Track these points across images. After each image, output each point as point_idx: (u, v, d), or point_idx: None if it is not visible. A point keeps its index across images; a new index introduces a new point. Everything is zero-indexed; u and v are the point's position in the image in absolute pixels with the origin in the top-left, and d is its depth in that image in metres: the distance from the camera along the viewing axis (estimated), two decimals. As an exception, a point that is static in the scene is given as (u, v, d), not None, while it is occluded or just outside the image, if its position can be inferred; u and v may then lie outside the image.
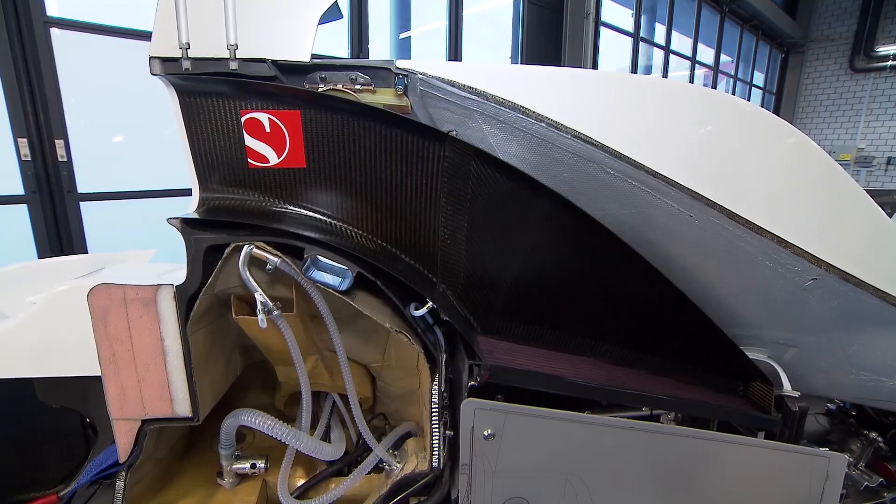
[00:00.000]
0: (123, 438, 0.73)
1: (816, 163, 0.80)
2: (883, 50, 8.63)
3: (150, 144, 3.28)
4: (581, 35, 6.02)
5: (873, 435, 0.99)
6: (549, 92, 0.68)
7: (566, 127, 0.67)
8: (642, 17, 7.55)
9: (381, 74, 0.66)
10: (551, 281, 0.81)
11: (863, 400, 0.96)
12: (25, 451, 1.08)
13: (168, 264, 1.14)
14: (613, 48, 7.44)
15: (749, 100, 9.96)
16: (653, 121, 0.73)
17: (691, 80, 8.54)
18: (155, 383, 0.70)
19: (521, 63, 5.83)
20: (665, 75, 8.10)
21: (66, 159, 2.86)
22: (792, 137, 0.79)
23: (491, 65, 0.67)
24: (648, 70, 8.23)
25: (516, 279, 0.79)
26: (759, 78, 10.88)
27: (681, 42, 8.56)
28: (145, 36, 2.96)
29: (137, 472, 0.76)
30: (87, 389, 0.98)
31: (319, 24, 0.63)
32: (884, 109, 8.91)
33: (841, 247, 0.80)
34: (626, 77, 0.81)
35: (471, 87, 0.66)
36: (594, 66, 6.42)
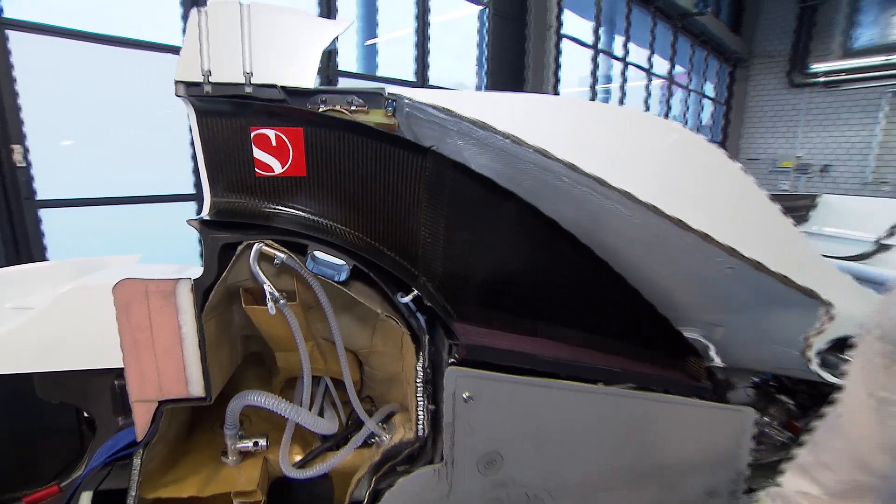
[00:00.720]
0: (141, 419, 0.82)
1: (731, 173, 0.98)
2: (815, 67, 9.43)
3: (116, 150, 3.26)
4: (543, 46, 6.30)
5: (785, 399, 1.18)
6: (512, 114, 0.82)
7: (527, 143, 0.82)
8: (601, 29, 7.93)
9: (374, 98, 0.79)
10: (517, 274, 0.95)
11: (777, 370, 1.15)
12: (22, 447, 1.13)
13: (157, 265, 1.21)
14: (574, 59, 7.76)
15: (702, 110, 10.61)
16: (599, 138, 0.89)
17: (647, 91, 9.01)
18: (172, 367, 0.80)
19: (487, 72, 6.04)
20: (623, 85, 8.53)
21: (23, 165, 2.81)
22: (711, 154, 0.97)
23: (465, 91, 0.80)
24: (608, 79, 8.64)
25: (487, 272, 0.93)
26: (710, 89, 11.56)
27: (638, 53, 9.02)
28: (109, 41, 2.98)
29: (152, 450, 0.85)
30: (88, 385, 1.05)
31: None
32: (818, 121, 9.71)
33: (752, 241, 0.98)
34: (576, 101, 0.97)
35: (448, 110, 0.80)
36: (556, 76, 6.70)
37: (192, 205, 3.85)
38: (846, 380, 0.66)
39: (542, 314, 0.98)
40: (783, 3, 9.98)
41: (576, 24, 7.58)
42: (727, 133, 11.97)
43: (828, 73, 9.20)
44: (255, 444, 0.94)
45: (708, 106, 11.31)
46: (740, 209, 0.98)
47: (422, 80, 5.24)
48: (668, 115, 9.62)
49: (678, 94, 10.31)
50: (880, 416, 0.59)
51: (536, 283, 0.97)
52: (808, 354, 1.07)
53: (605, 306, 1.01)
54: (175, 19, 3.39)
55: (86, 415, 1.17)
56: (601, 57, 7.95)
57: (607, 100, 8.55)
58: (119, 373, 0.99)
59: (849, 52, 9.19)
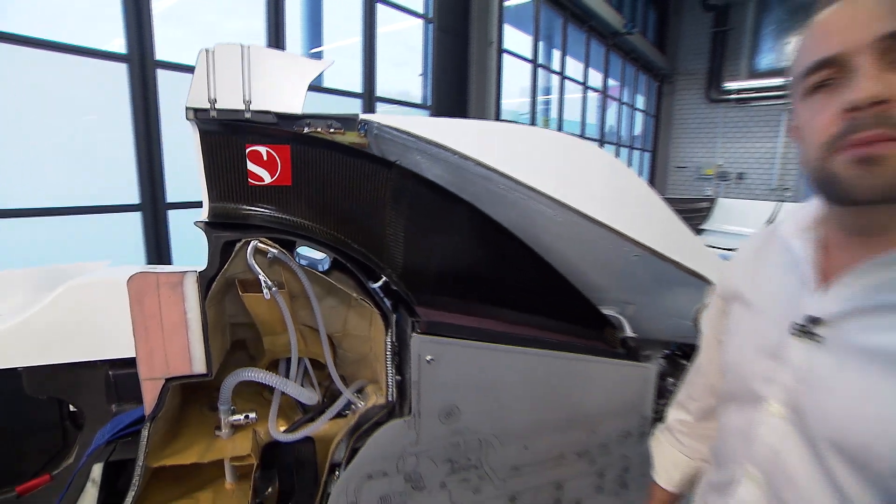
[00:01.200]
0: (150, 395, 0.95)
1: (634, 182, 1.25)
2: (727, 85, 10.56)
3: (59, 160, 3.21)
4: (485, 60, 6.66)
5: (685, 362, 1.48)
6: (459, 135, 1.04)
7: (471, 157, 1.04)
8: (540, 43, 8.44)
9: (349, 122, 0.98)
10: (465, 265, 1.17)
11: (676, 338, 1.44)
12: (4, 444, 1.20)
13: (126, 266, 1.32)
14: (516, 71, 8.20)
15: (634, 121, 11.42)
16: (527, 153, 1.12)
17: (584, 103, 9.66)
18: (178, 348, 0.94)
19: (432, 83, 6.30)
20: (561, 98, 9.09)
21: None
22: (617, 166, 1.24)
23: (422, 117, 1.02)
24: (548, 91, 9.18)
25: (440, 264, 1.14)
26: (641, 102, 12.50)
27: (576, 67, 9.63)
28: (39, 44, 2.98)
29: (156, 425, 0.98)
30: (78, 378, 1.15)
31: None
32: (733, 134, 10.82)
33: (651, 234, 1.26)
34: (509, 126, 1.20)
35: (408, 132, 1.01)
36: (498, 88, 7.08)
37: (134, 216, 3.81)
38: (702, 330, 0.93)
39: (487, 298, 1.20)
40: (699, 26, 11.09)
41: (517, 39, 8.03)
42: (657, 143, 13.00)
43: (738, 91, 10.34)
44: (246, 417, 1.09)
45: (639, 117, 12.25)
46: (641, 209, 1.25)
47: (369, 90, 5.42)
48: (603, 126, 10.35)
49: (613, 108, 11.10)
50: (719, 352, 0.85)
51: (482, 272, 1.19)
52: (697, 324, 1.36)
53: (539, 290, 1.25)
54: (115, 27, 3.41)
55: (71, 408, 1.26)
56: (541, 70, 8.46)
57: (547, 110, 9.08)
58: (113, 364, 1.11)
59: (754, 73, 10.36)
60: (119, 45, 3.58)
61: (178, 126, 3.94)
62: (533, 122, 8.20)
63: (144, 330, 0.92)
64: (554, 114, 9.10)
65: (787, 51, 9.74)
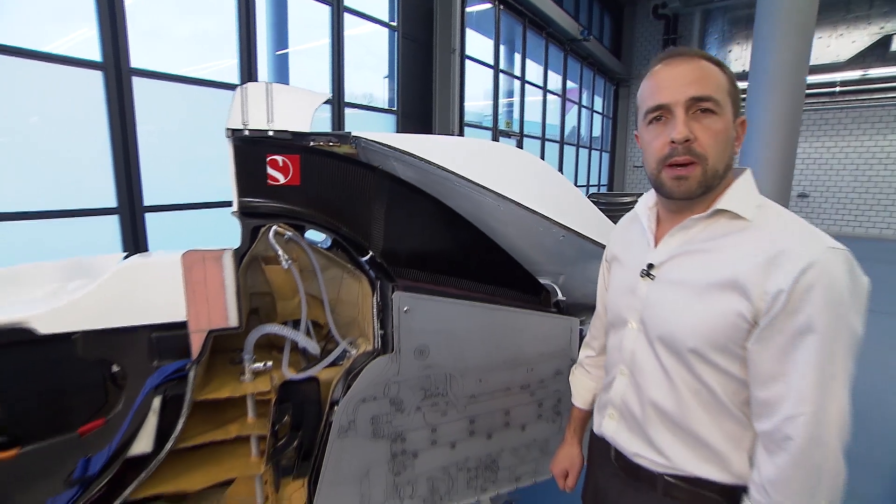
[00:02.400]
0: (196, 344, 1.29)
1: (558, 178, 1.67)
2: (678, 88, 11.37)
3: (36, 165, 3.41)
4: (449, 67, 7.09)
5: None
6: (425, 146, 1.43)
7: (435, 163, 1.43)
8: (502, 47, 8.93)
9: (343, 138, 1.35)
10: (431, 245, 1.54)
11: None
12: (55, 400, 1.50)
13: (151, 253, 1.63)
14: (479, 75, 8.64)
15: (592, 122, 12.08)
16: (477, 159, 1.52)
17: (544, 106, 10.23)
18: (218, 307, 1.28)
19: (398, 87, 6.66)
20: (522, 100, 9.61)
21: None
22: (543, 165, 1.65)
23: (397, 134, 1.40)
24: (510, 94, 9.69)
25: (411, 244, 1.52)
26: (599, 104, 13.22)
27: (537, 70, 10.17)
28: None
29: (199, 367, 1.32)
30: (122, 341, 1.47)
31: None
32: (684, 133, 11.62)
33: (572, 218, 1.67)
34: (462, 139, 1.57)
35: (388, 144, 1.38)
36: (461, 93, 7.51)
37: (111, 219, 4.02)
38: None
39: (450, 272, 1.59)
40: (651, 35, 11.95)
41: (479, 43, 8.49)
42: (615, 143, 13.78)
43: (688, 94, 11.20)
44: (264, 364, 1.44)
45: (598, 119, 12.97)
46: (564, 198, 1.67)
47: (337, 97, 5.74)
48: (563, 128, 10.97)
49: (573, 111, 11.73)
50: (603, 295, 1.26)
51: (444, 250, 1.57)
52: (612, 289, 1.79)
53: (489, 265, 1.64)
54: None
55: (115, 368, 1.56)
56: (502, 76, 8.95)
57: (510, 112, 9.58)
58: (154, 328, 1.43)
59: (702, 78, 11.24)
60: (82, 40, 3.78)
61: (151, 128, 4.17)
62: (495, 125, 8.68)
63: (193, 293, 1.26)
64: (516, 115, 9.61)
65: (729, 59, 10.64)
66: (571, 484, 1.32)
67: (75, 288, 1.54)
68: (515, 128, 9.34)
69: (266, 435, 1.46)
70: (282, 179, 1.32)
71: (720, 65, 0.93)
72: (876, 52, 10.19)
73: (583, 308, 1.93)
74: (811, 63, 5.15)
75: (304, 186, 1.35)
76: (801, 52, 4.71)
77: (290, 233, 1.32)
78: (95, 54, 3.83)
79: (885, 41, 10.01)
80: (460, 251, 1.58)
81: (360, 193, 1.41)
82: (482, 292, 1.61)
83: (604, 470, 1.16)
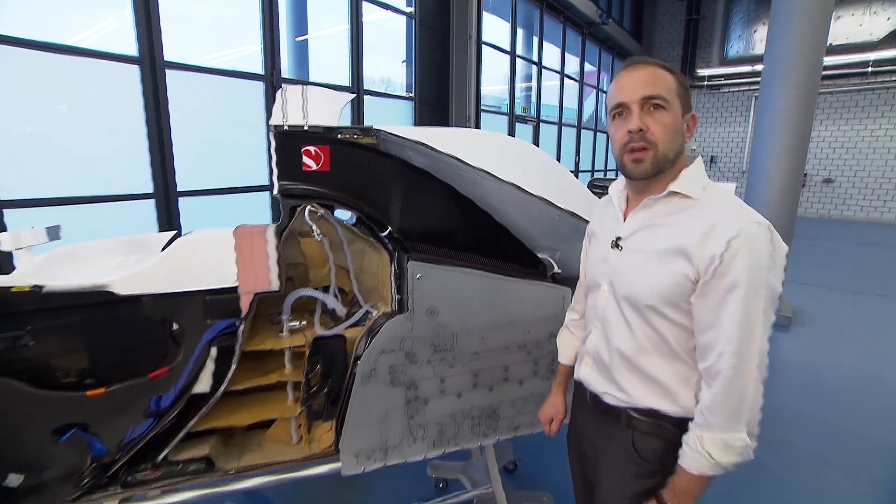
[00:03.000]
0: (245, 303, 1.58)
1: (550, 162, 1.90)
2: (700, 72, 11.29)
3: (79, 154, 3.78)
4: (466, 54, 7.26)
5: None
6: (436, 138, 1.68)
7: (444, 151, 1.67)
8: (519, 30, 9.03)
9: (366, 131, 1.61)
10: (440, 222, 1.80)
11: (591, 276, 2.10)
12: (123, 354, 1.81)
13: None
14: (496, 60, 8.77)
15: (610, 107, 11.68)
16: (481, 148, 1.76)
17: (561, 91, 10.30)
18: (263, 273, 1.57)
19: (415, 73, 6.87)
20: (539, 85, 9.70)
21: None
22: (540, 153, 1.88)
23: (412, 127, 1.65)
24: (528, 78, 9.78)
25: (425, 223, 1.77)
26: (619, 88, 13.09)
27: (555, 54, 10.21)
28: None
29: (247, 323, 1.61)
30: (180, 303, 1.77)
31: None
32: (705, 118, 11.61)
33: (565, 198, 1.91)
34: (468, 131, 1.81)
35: (403, 136, 1.64)
36: (478, 78, 7.68)
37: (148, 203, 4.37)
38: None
39: (457, 247, 1.84)
40: (673, 16, 11.82)
41: (496, 26, 8.60)
42: (635, 128, 13.70)
43: (710, 78, 11.13)
44: (300, 323, 1.73)
45: (618, 103, 12.91)
46: (558, 182, 1.90)
47: (357, 81, 5.99)
48: (581, 112, 11.03)
49: (592, 95, 11.75)
50: (585, 265, 1.50)
51: (452, 227, 1.82)
52: (604, 264, 2.02)
53: (492, 241, 1.89)
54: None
55: (174, 327, 1.87)
56: (519, 61, 9.05)
57: (528, 97, 9.69)
58: (208, 292, 1.72)
59: (725, 61, 11.15)
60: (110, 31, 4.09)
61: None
62: (512, 111, 8.82)
63: (243, 261, 1.55)
64: (533, 100, 9.71)
65: (754, 39, 10.51)
66: (556, 428, 1.58)
67: (137, 261, 1.85)
68: (532, 113, 9.46)
69: (300, 383, 1.76)
70: (314, 166, 1.59)
71: (671, 70, 1.15)
72: (910, 32, 9.94)
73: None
74: (842, 43, 5.14)
75: (334, 172, 1.61)
76: (817, 33, 4.75)
77: (321, 211, 1.59)
78: (128, 47, 4.15)
79: (919, 20, 9.75)
80: (466, 228, 1.83)
81: (380, 178, 1.67)
82: (486, 265, 1.86)
83: (582, 411, 1.42)
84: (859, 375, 3.84)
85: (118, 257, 2.00)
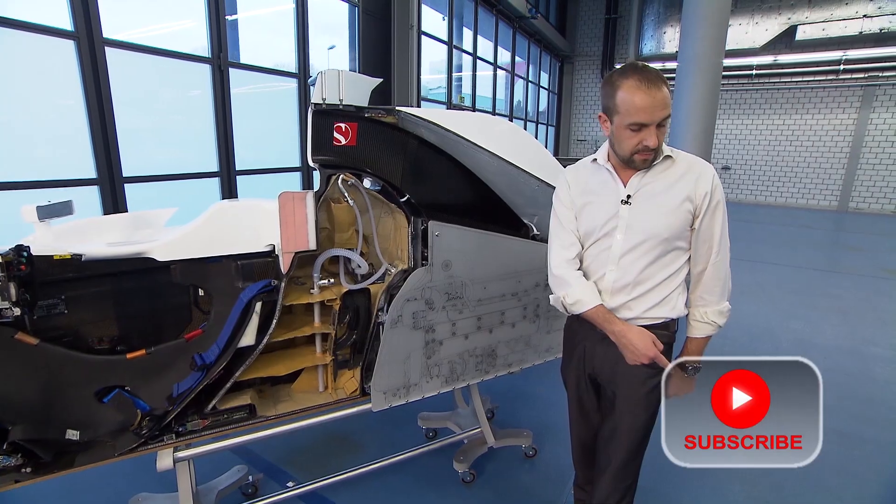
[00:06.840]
0: (286, 262, 1.81)
1: (530, 139, 2.30)
2: (619, 67, 12.38)
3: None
4: (406, 42, 7.51)
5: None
6: (445, 118, 2.00)
7: (451, 130, 2.00)
8: (454, 21, 9.39)
9: (389, 111, 1.89)
10: (450, 192, 2.13)
11: (563, 238, 2.54)
12: (154, 319, 1.96)
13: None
14: (432, 50, 9.09)
15: (539, 97, 12.80)
16: (478, 126, 2.11)
17: (494, 81, 10.85)
18: (303, 234, 1.81)
19: (359, 59, 7.02)
20: (474, 75, 10.16)
21: None
22: (522, 132, 2.27)
23: (428, 109, 1.96)
24: (460, 68, 10.19)
25: (436, 191, 2.09)
26: (545, 79, 13.99)
27: (488, 46, 10.71)
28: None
29: (287, 282, 1.84)
30: (209, 270, 1.95)
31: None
32: (623, 109, 12.70)
33: (542, 170, 2.31)
34: (469, 112, 2.16)
35: (419, 116, 1.94)
36: (418, 66, 7.96)
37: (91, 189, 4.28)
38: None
39: (461, 213, 2.18)
40: (594, 14, 12.83)
41: (433, 18, 8.92)
42: (560, 117, 14.72)
43: (626, 72, 12.25)
44: (329, 280, 1.98)
45: (544, 94, 13.80)
46: (536, 156, 2.30)
47: (303, 66, 6.05)
48: (512, 102, 11.68)
49: (520, 84, 12.43)
50: (578, 222, 1.90)
51: (459, 196, 2.16)
52: (574, 227, 2.47)
53: (489, 208, 2.25)
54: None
55: (200, 293, 2.03)
56: (455, 51, 9.44)
57: (460, 87, 10.11)
58: (239, 258, 1.92)
59: (639, 58, 12.32)
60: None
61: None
62: (450, 99, 9.21)
63: (285, 224, 1.78)
64: (468, 90, 10.16)
65: (664, 39, 11.73)
66: (660, 346, 1.55)
67: (144, 236, 2.00)
68: (468, 102, 9.92)
69: (328, 334, 2.02)
70: (343, 141, 1.85)
71: (668, 85, 1.57)
72: (784, 41, 11.64)
73: (551, 244, 2.59)
74: (734, 47, 6.03)
75: (360, 146, 1.88)
76: (717, 38, 5.60)
77: (350, 179, 1.86)
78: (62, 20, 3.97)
79: (791, 31, 11.45)
80: (467, 195, 2.17)
81: (400, 151, 1.96)
82: (486, 227, 2.22)
83: (591, 339, 1.78)
84: (756, 324, 4.71)
85: (125, 231, 2.11)
